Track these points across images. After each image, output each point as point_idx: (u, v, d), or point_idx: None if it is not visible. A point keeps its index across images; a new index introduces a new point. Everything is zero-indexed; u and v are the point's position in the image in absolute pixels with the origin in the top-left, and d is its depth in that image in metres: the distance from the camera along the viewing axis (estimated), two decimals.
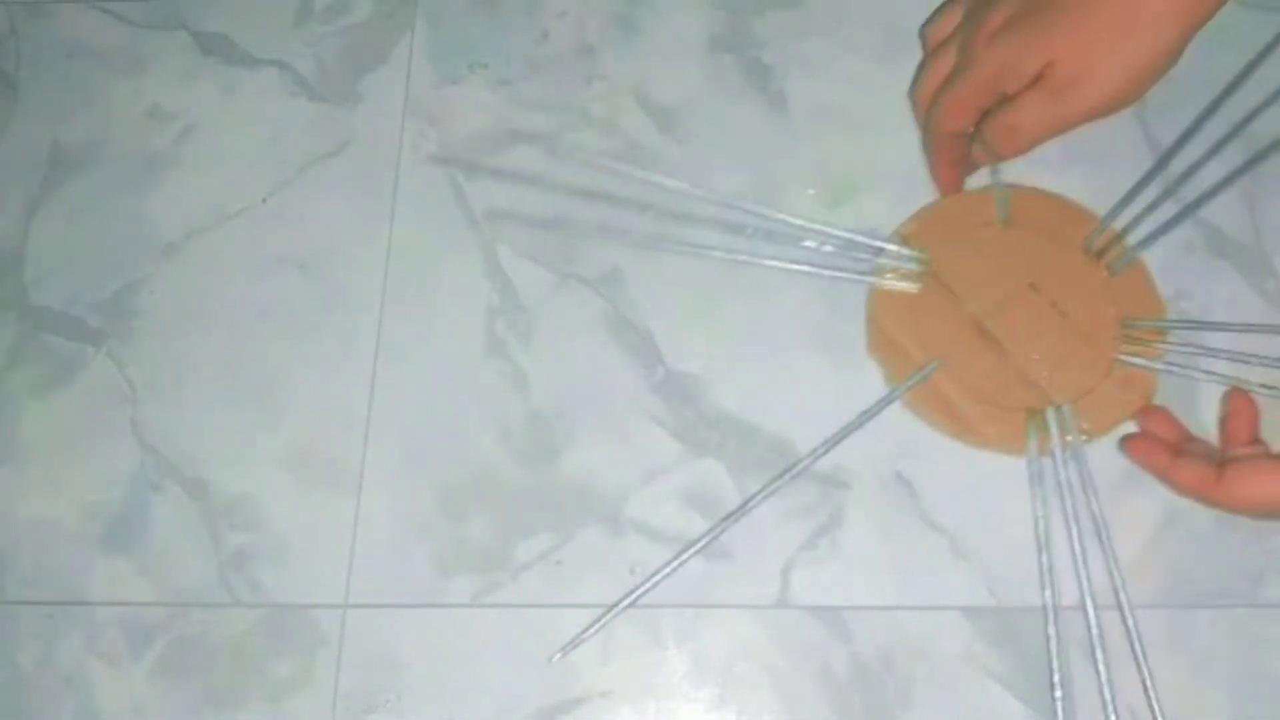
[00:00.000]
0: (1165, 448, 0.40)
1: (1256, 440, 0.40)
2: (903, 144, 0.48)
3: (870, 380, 0.44)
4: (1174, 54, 0.39)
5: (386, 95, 0.51)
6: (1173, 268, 0.45)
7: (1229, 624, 0.40)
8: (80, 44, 0.53)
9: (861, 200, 0.47)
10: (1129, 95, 0.40)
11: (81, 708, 0.41)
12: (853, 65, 0.50)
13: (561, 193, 0.48)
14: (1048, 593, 0.40)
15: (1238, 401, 0.41)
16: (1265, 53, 0.45)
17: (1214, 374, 0.42)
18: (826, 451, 0.43)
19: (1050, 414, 0.42)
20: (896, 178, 0.48)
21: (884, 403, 0.43)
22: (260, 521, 0.44)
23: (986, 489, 0.42)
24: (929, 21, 0.46)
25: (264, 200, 0.49)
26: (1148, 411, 0.42)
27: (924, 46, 0.47)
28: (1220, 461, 0.38)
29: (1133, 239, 0.44)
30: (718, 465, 0.43)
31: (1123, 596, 0.40)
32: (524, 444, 0.44)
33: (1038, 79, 0.40)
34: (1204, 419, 0.42)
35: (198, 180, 0.50)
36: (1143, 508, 0.42)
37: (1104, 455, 0.42)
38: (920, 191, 0.47)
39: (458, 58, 0.51)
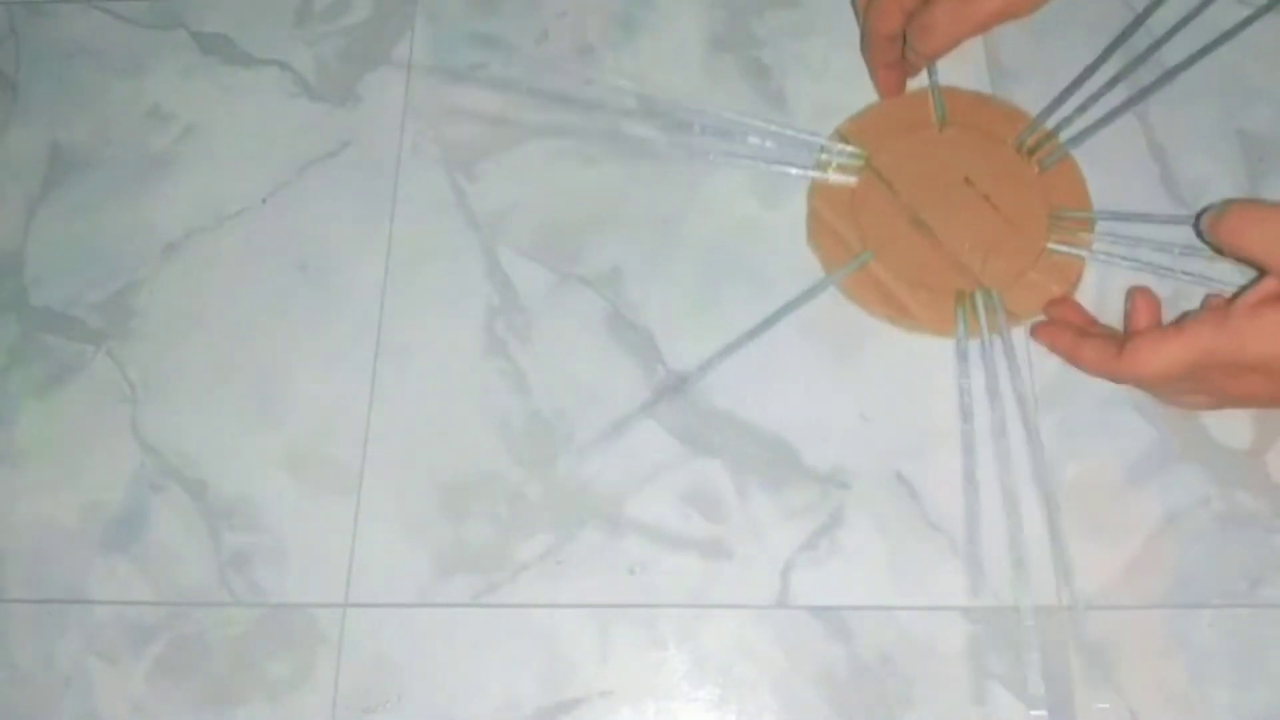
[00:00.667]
0: (1071, 330, 0.42)
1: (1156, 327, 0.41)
2: None
3: (867, 379, 0.44)
4: None
5: (386, 95, 0.51)
6: (1173, 268, 0.45)
7: (1229, 624, 0.40)
8: (80, 44, 0.53)
9: None
10: None
11: (81, 707, 0.41)
12: (852, 65, 0.50)
13: (562, 188, 0.48)
14: (970, 459, 0.42)
15: (1138, 297, 0.42)
16: None
17: (1137, 260, 0.45)
18: (762, 331, 0.45)
19: (979, 298, 0.44)
20: None
21: (820, 287, 0.45)
22: (260, 521, 0.44)
23: (988, 486, 0.42)
24: None
25: (264, 200, 0.49)
26: (1056, 301, 0.44)
27: None
28: (1122, 340, 0.39)
29: (1065, 135, 0.47)
30: (717, 465, 0.43)
31: (1043, 471, 0.42)
32: (524, 444, 0.44)
33: None
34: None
35: (198, 180, 0.50)
36: (1143, 508, 0.42)
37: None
38: None
39: (458, 58, 0.51)
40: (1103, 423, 0.43)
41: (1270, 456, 0.42)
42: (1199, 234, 0.40)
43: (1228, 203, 0.38)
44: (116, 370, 0.46)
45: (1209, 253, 0.43)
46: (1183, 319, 0.38)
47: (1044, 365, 0.44)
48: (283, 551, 0.43)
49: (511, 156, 0.49)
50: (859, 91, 0.49)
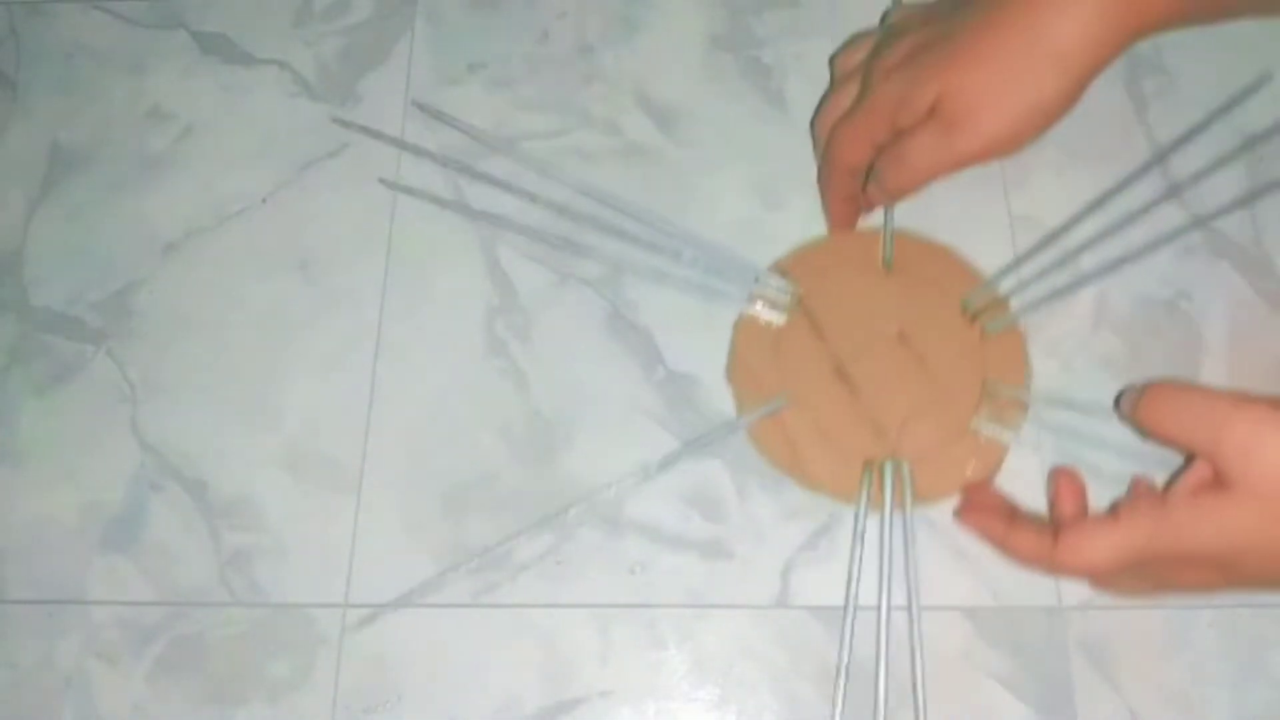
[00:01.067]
0: (1000, 517, 0.39)
1: (1084, 513, 0.39)
2: None
3: None
4: (1073, 96, 0.38)
5: (386, 95, 0.51)
6: (1173, 269, 0.45)
7: (1229, 624, 0.40)
8: (80, 44, 0.53)
9: None
10: (1021, 136, 0.38)
11: (81, 708, 0.41)
12: None
13: (561, 192, 0.48)
14: (845, 653, 0.39)
15: (1062, 481, 0.39)
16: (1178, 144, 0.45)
17: (1067, 453, 0.41)
18: (670, 464, 0.43)
19: (889, 469, 0.41)
20: None
21: (724, 431, 0.43)
22: (260, 521, 0.44)
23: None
24: (838, 52, 0.46)
25: (264, 200, 0.49)
26: (973, 485, 0.41)
27: (831, 77, 0.46)
28: (1055, 527, 0.36)
29: (1018, 303, 0.43)
30: (718, 465, 0.43)
31: (917, 644, 0.39)
32: (524, 444, 0.44)
33: (931, 113, 0.39)
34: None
35: (198, 180, 0.50)
36: None
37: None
38: (922, 192, 0.47)
39: (458, 58, 0.51)
40: (1103, 422, 0.43)
41: None
42: (1121, 417, 0.38)
43: (1145, 385, 0.35)
44: (116, 370, 0.46)
45: (1148, 447, 0.39)
46: (1116, 508, 0.35)
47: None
48: (283, 551, 0.43)
49: (512, 156, 0.49)
50: None
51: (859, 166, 0.42)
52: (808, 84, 0.50)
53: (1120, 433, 0.40)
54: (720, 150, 0.49)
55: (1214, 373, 0.43)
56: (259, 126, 0.51)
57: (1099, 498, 0.40)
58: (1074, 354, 0.44)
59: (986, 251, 0.45)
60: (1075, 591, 0.40)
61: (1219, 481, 0.33)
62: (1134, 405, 0.36)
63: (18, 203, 0.50)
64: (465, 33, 0.52)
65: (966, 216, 0.46)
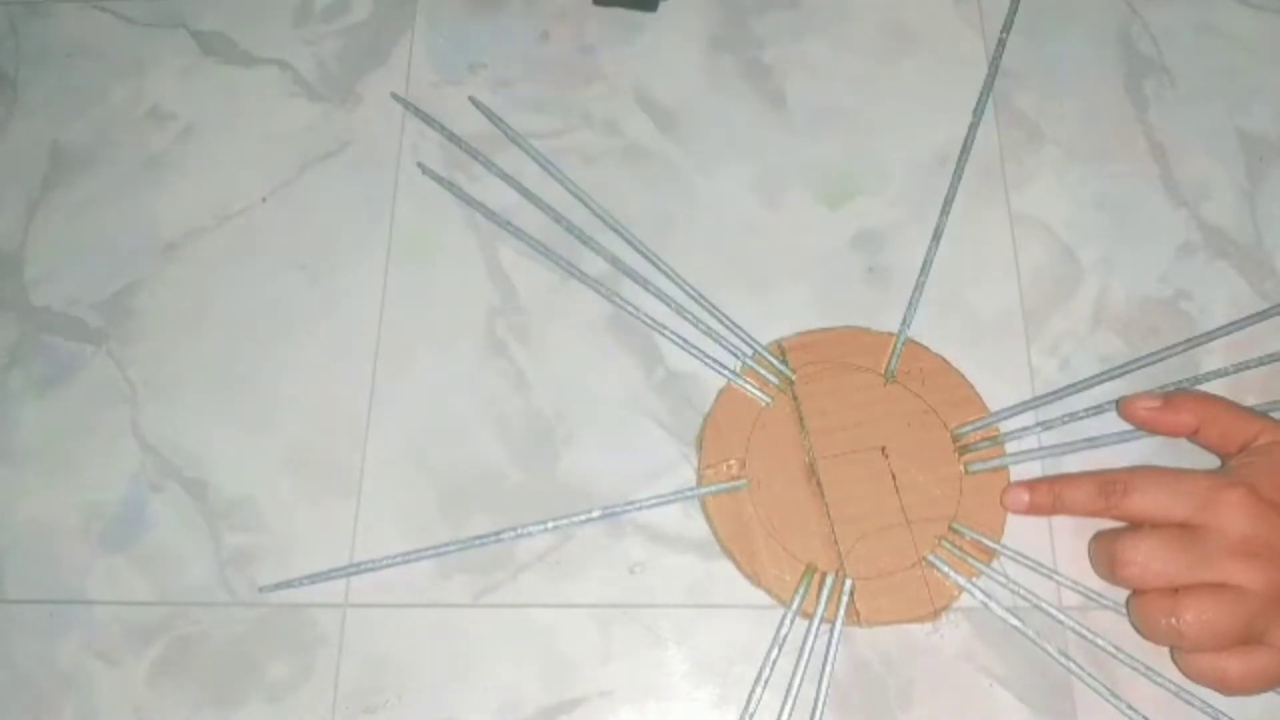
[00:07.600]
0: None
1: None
2: (903, 144, 0.48)
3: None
4: None
5: (386, 95, 0.51)
6: (1173, 269, 0.45)
7: None
8: (80, 44, 0.53)
9: (861, 201, 0.47)
10: None
11: (81, 708, 0.41)
12: (853, 65, 0.50)
13: (561, 193, 0.48)
14: None
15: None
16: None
17: (1011, 612, 0.40)
18: (619, 514, 0.43)
19: (830, 582, 0.40)
20: (896, 178, 0.48)
21: (680, 496, 0.42)
22: (260, 521, 0.44)
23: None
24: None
25: (264, 200, 0.49)
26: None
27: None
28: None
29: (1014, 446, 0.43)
30: None
31: None
32: (524, 444, 0.44)
33: None
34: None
35: (198, 180, 0.50)
36: None
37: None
38: (923, 193, 0.47)
39: (458, 58, 0.51)
40: (1103, 423, 0.43)
41: None
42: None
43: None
44: (116, 370, 0.46)
45: (1100, 624, 0.40)
46: None
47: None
48: (283, 552, 0.43)
49: (511, 156, 0.49)
50: (858, 93, 0.49)
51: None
52: (808, 84, 0.50)
53: (1070, 598, 0.40)
54: (720, 150, 0.49)
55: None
56: (259, 126, 0.51)
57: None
58: (1074, 354, 0.44)
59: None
60: (1075, 592, 0.40)
61: None
62: (1093, 567, 0.40)
63: (18, 203, 0.50)
64: (465, 33, 0.52)
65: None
